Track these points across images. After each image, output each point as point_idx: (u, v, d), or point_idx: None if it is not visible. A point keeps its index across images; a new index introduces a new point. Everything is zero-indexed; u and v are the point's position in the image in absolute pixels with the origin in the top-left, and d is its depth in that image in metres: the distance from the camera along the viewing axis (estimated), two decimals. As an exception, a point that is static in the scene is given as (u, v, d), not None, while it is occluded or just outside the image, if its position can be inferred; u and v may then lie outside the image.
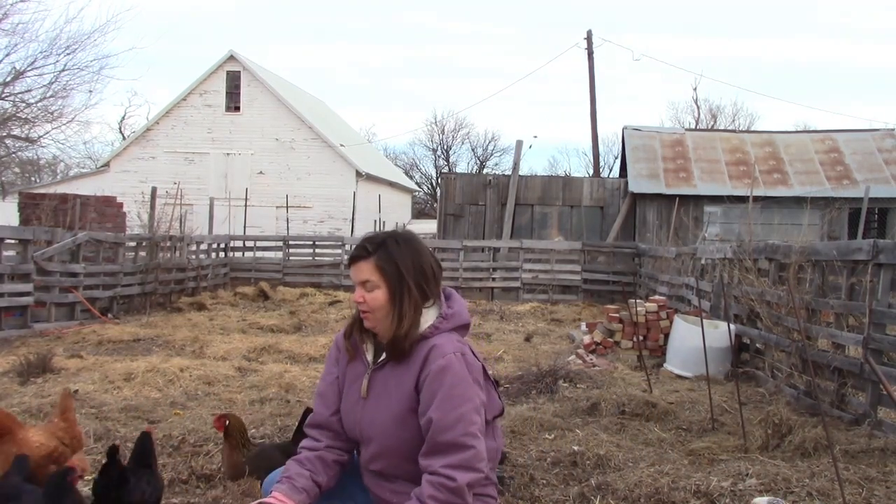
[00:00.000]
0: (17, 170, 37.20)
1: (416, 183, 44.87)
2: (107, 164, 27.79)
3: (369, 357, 2.57)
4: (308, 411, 3.92)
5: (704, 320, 6.47)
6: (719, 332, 7.33)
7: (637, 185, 20.04)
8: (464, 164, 49.87)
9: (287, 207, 22.94)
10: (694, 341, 7.00)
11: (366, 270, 2.48)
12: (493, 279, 17.24)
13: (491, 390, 2.59)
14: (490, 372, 2.62)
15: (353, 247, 2.60)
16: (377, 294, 2.46)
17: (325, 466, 2.57)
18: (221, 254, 17.35)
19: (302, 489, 2.47)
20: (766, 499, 3.34)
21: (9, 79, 20.18)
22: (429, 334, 2.47)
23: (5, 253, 10.06)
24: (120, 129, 43.98)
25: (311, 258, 18.13)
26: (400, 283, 2.47)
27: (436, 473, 2.33)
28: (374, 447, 2.50)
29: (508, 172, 22.52)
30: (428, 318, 2.50)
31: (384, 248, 2.49)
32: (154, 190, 15.69)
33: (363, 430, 2.52)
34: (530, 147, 54.50)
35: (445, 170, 46.45)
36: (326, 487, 2.56)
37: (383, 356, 2.52)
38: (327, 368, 2.70)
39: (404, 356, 2.46)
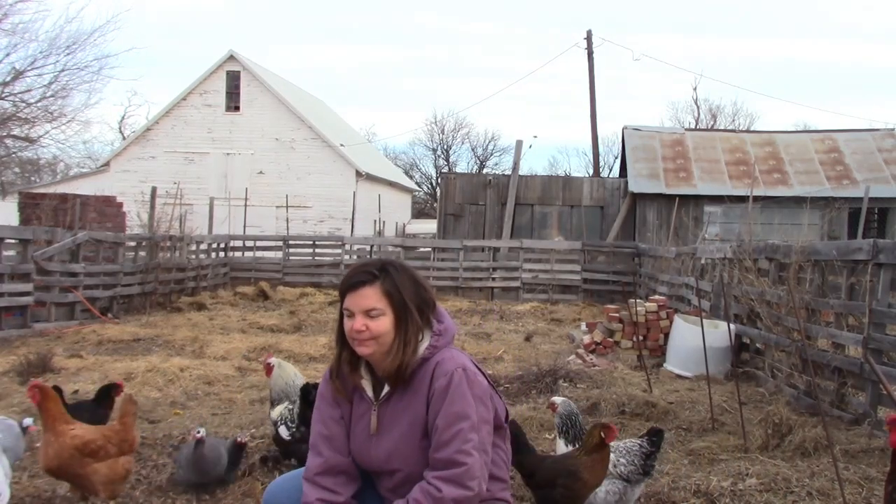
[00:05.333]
0: (17, 170, 37.19)
1: (416, 183, 44.87)
2: (107, 164, 27.78)
3: (369, 392, 2.50)
4: (307, 387, 3.91)
5: (704, 320, 6.46)
6: (719, 332, 7.32)
7: (637, 184, 20.04)
8: (464, 163, 49.95)
9: (287, 207, 22.92)
10: (694, 341, 6.99)
11: (372, 297, 2.38)
12: (493, 279, 17.23)
13: (497, 399, 2.56)
14: (489, 373, 2.61)
15: (350, 271, 2.49)
16: (383, 321, 2.37)
17: None
18: (221, 254, 17.34)
19: None
20: (560, 398, 3.55)
21: (9, 79, 20.23)
22: (428, 355, 2.43)
23: (5, 253, 10.05)
24: (120, 128, 44.05)
25: (310, 258, 18.12)
26: (404, 310, 2.40)
27: (427, 481, 2.35)
28: (401, 476, 2.46)
29: (508, 172, 22.51)
30: (423, 340, 2.45)
31: (388, 274, 2.41)
32: (154, 190, 15.70)
33: (381, 464, 2.48)
34: (530, 147, 54.66)
35: (445, 170, 46.40)
36: None
37: (386, 389, 2.45)
38: (325, 411, 2.54)
39: (405, 382, 2.42)
